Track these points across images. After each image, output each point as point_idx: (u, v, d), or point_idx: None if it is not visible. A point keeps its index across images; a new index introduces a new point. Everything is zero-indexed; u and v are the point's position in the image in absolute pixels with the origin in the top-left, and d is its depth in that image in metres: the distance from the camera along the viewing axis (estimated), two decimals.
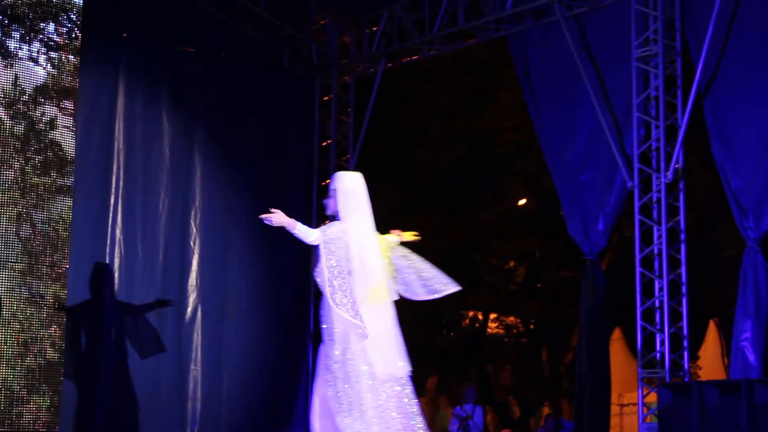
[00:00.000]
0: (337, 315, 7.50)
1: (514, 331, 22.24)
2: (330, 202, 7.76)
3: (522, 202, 20.36)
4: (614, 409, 16.74)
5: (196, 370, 12.58)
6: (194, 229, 12.79)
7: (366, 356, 7.34)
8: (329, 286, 7.45)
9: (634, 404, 13.34)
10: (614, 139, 11.36)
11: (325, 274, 7.56)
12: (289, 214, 13.78)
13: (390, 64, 13.87)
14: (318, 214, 13.93)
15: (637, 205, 11.19)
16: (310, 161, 14.05)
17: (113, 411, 11.73)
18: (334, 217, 7.88)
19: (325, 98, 14.25)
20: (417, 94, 19.19)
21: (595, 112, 11.48)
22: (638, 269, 11.11)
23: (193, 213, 12.78)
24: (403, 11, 13.12)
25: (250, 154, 13.39)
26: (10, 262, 11.07)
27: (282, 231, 13.41)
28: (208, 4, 13.04)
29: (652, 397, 10.83)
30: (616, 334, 18.92)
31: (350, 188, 7.73)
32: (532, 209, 20.32)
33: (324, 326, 7.59)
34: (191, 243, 12.71)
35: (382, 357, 7.38)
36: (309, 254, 13.79)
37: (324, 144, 14.18)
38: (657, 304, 10.98)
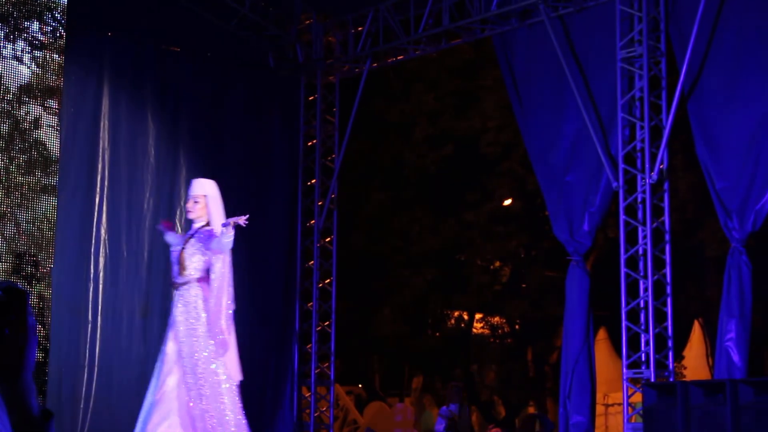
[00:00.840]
0: (228, 319, 7.87)
1: (500, 331, 22.29)
2: (197, 208, 7.92)
3: (507, 202, 20.40)
4: (599, 409, 16.80)
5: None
6: (179, 229, 12.77)
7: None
8: (231, 287, 7.84)
9: (619, 404, 13.37)
10: (599, 139, 11.38)
11: (228, 277, 7.87)
12: (275, 214, 13.81)
13: (375, 64, 13.87)
14: (303, 214, 13.93)
15: (622, 205, 11.21)
16: (295, 161, 14.04)
17: (99, 411, 11.71)
18: (191, 222, 8.06)
19: (311, 98, 14.25)
20: (402, 94, 19.20)
21: (580, 113, 11.50)
22: (623, 269, 11.13)
23: (178, 212, 12.76)
24: (388, 11, 13.11)
25: (236, 153, 13.37)
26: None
27: (267, 231, 13.39)
28: (193, 3, 13.01)
29: (637, 397, 10.85)
30: (601, 334, 18.97)
31: (216, 195, 8.02)
32: (518, 209, 20.36)
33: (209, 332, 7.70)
34: None
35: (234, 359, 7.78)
36: (294, 255, 13.80)
37: (309, 144, 14.18)
38: (642, 304, 11.00)
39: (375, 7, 13.20)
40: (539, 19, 11.93)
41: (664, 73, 11.22)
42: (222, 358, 7.82)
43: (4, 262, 11.19)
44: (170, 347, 7.80)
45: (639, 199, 11.11)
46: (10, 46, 11.53)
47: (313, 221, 13.96)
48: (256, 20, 13.44)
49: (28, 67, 11.72)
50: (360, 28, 13.60)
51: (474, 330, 23.49)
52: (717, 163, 10.77)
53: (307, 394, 13.95)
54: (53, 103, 11.78)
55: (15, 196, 11.30)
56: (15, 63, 11.60)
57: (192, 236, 8.00)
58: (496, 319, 22.26)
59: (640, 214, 11.10)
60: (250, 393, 13.14)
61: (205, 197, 7.94)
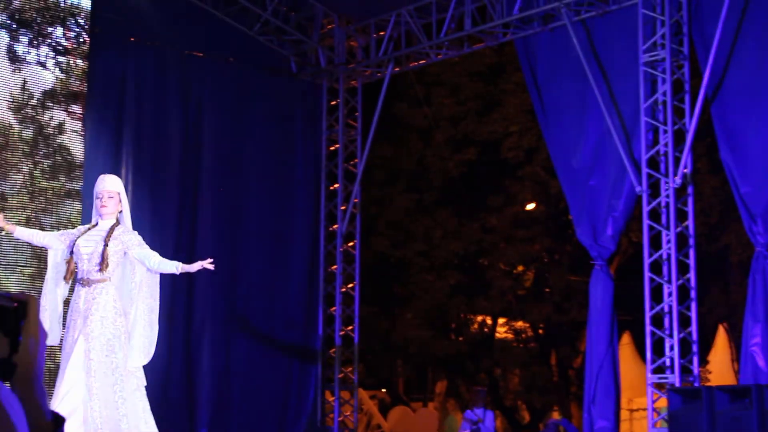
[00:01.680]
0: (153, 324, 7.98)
1: (523, 335, 22.22)
2: (111, 203, 7.76)
3: (530, 206, 20.35)
4: (624, 414, 16.72)
5: (204, 374, 12.59)
6: (202, 234, 12.79)
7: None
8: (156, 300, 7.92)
9: (644, 409, 13.32)
10: (622, 143, 11.34)
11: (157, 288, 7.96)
12: (297, 219, 13.82)
13: (397, 69, 13.87)
14: (326, 218, 13.94)
15: (645, 209, 11.16)
16: (318, 165, 14.05)
17: None
18: (94, 218, 7.86)
19: (333, 102, 14.26)
20: (424, 98, 19.18)
21: (603, 117, 11.45)
22: (647, 274, 11.08)
23: (201, 218, 12.79)
24: (410, 16, 13.11)
25: (258, 158, 13.39)
26: (20, 266, 11.08)
27: (290, 236, 13.40)
28: (216, 9, 13.05)
29: (662, 402, 10.80)
30: (625, 338, 18.88)
31: (124, 192, 7.93)
32: (540, 213, 20.31)
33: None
34: (200, 245, 12.70)
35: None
36: (317, 259, 13.80)
37: (332, 148, 14.19)
38: (666, 308, 10.95)
39: (397, 12, 13.20)
40: (561, 23, 11.90)
41: (687, 76, 11.18)
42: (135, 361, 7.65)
43: (29, 267, 11.23)
44: (79, 346, 7.48)
45: (663, 204, 11.07)
46: (34, 51, 11.58)
47: (335, 226, 13.96)
48: (279, 25, 13.46)
49: (52, 73, 11.77)
50: (382, 33, 13.60)
51: (497, 334, 23.43)
52: (741, 167, 10.71)
53: (330, 399, 13.95)
54: (77, 108, 11.83)
55: (39, 200, 11.34)
56: (39, 68, 11.65)
57: (110, 233, 7.76)
58: (520, 323, 22.19)
59: (664, 219, 11.06)
60: (274, 397, 13.19)
61: (118, 194, 7.79)
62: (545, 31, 12.31)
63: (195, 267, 7.84)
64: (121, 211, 7.83)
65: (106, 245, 7.62)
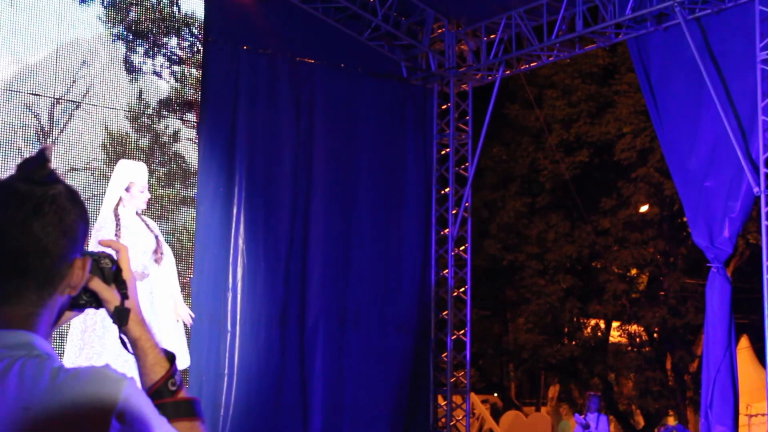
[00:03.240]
0: None
1: (638, 339, 21.94)
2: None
3: (644, 208, 20.10)
4: (742, 419, 16.39)
5: (317, 378, 12.68)
6: (314, 238, 12.89)
7: None
8: None
9: (763, 414, 13.06)
10: (739, 143, 11.12)
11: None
12: (408, 223, 13.87)
13: (508, 72, 13.81)
14: (437, 222, 13.94)
15: (763, 210, 10.92)
16: (428, 170, 14.06)
17: (238, 419, 11.89)
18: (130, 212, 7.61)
19: (444, 106, 14.26)
20: (536, 100, 19.10)
21: (718, 117, 11.25)
22: (765, 276, 10.84)
23: (313, 222, 12.89)
24: (521, 18, 13.05)
25: (369, 163, 13.45)
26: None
27: (401, 241, 13.46)
28: (327, 15, 13.16)
29: None
30: (743, 342, 18.53)
31: None
32: (654, 216, 20.06)
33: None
34: (312, 252, 12.81)
35: None
36: (428, 264, 13.81)
37: (443, 152, 14.19)
38: None
39: (507, 14, 13.15)
40: (675, 22, 11.72)
41: None
42: None
43: None
44: None
45: None
46: (150, 61, 11.82)
47: (447, 230, 13.95)
48: (389, 30, 13.52)
49: (167, 82, 11.99)
50: (492, 36, 13.56)
51: (611, 338, 23.19)
52: None
53: (442, 403, 13.94)
54: (191, 117, 12.03)
55: (155, 208, 11.55)
56: (155, 78, 11.88)
57: (148, 226, 7.59)
58: (634, 327, 21.93)
59: None
60: (387, 401, 13.22)
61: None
62: (659, 30, 12.15)
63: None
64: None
65: (157, 237, 7.57)
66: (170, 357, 2.00)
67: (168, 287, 7.59)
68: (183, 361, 7.50)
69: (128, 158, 10.92)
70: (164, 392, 1.93)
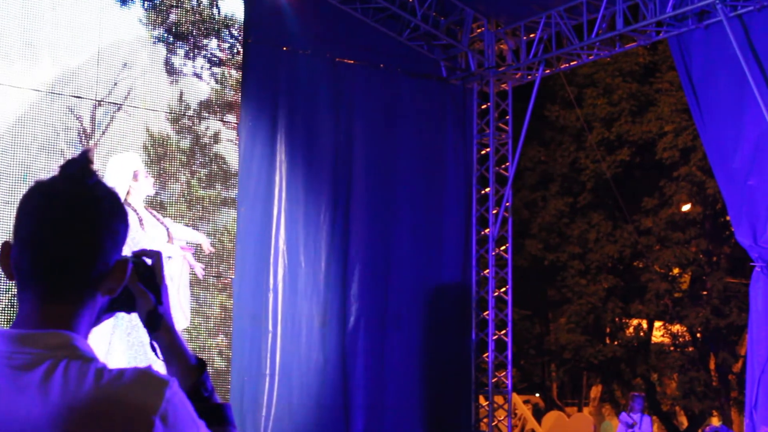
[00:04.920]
0: None
1: (680, 339, 21.80)
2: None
3: (686, 207, 19.96)
4: None
5: (358, 379, 12.70)
6: (355, 240, 12.90)
7: None
8: None
9: None
10: None
11: None
12: (449, 223, 13.85)
13: (548, 71, 13.76)
14: (478, 222, 13.91)
15: None
16: (469, 169, 14.03)
17: (280, 418, 11.92)
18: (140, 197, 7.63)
19: (483, 106, 14.22)
20: (576, 99, 19.02)
21: (762, 115, 11.14)
22: None
23: (353, 222, 12.90)
24: (560, 17, 12.99)
25: (409, 163, 13.45)
26: None
27: (442, 241, 13.43)
28: (366, 16, 13.17)
29: None
30: None
31: None
32: (697, 215, 19.92)
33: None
34: (353, 253, 12.83)
35: None
36: (469, 264, 13.79)
37: (483, 152, 14.15)
38: None
39: (547, 13, 13.10)
40: (717, 19, 11.62)
41: None
42: None
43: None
44: None
45: None
46: (190, 63, 11.87)
47: (487, 230, 13.91)
48: (428, 30, 13.51)
49: (208, 84, 12.04)
50: (532, 35, 13.51)
51: (653, 338, 23.05)
52: None
53: (484, 404, 13.91)
54: (232, 118, 12.08)
55: (197, 209, 11.61)
56: (195, 80, 11.93)
57: (155, 216, 7.71)
58: (676, 327, 21.78)
59: None
60: (428, 402, 13.21)
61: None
62: (700, 28, 12.05)
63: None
64: None
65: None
66: (201, 364, 2.02)
67: (178, 243, 7.73)
68: (182, 323, 7.65)
69: (168, 160, 10.99)
70: (195, 399, 1.95)
